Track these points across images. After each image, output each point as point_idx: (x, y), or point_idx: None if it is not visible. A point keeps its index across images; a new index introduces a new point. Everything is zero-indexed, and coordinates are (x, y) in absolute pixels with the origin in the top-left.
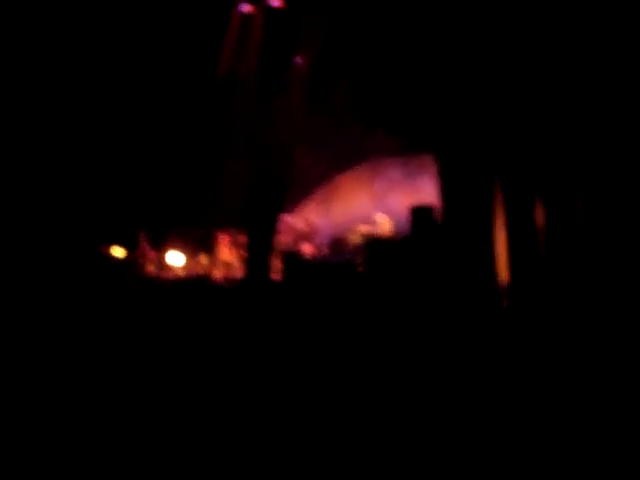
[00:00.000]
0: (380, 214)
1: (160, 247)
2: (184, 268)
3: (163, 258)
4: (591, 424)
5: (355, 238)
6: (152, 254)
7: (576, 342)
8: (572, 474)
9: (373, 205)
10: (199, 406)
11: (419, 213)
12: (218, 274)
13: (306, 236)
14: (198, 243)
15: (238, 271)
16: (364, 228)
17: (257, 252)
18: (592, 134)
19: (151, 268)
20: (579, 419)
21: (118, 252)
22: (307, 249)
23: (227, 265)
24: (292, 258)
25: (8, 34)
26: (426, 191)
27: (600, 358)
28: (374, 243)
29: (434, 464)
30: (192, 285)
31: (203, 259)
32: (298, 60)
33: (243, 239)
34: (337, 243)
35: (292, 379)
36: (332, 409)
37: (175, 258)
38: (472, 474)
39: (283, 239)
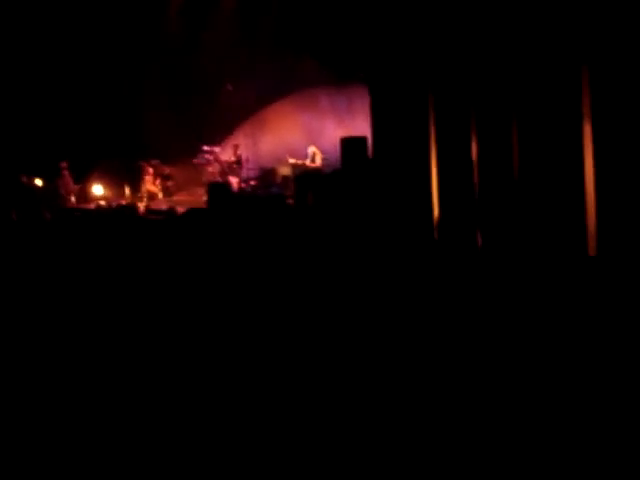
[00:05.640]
0: (311, 146)
1: (84, 178)
2: (107, 199)
3: (86, 189)
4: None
5: (284, 170)
6: (74, 185)
7: (501, 278)
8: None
9: (303, 137)
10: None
11: (350, 144)
12: (142, 205)
13: (234, 168)
14: (122, 174)
15: (161, 201)
16: (293, 160)
17: None
18: (529, 66)
19: (72, 199)
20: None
21: (38, 182)
22: (234, 181)
23: (151, 195)
24: (219, 189)
25: None
26: (358, 122)
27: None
28: (304, 175)
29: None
30: (116, 214)
31: (127, 190)
32: None
33: (166, 170)
34: (266, 175)
35: (221, 310)
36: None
37: (97, 189)
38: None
39: (211, 170)
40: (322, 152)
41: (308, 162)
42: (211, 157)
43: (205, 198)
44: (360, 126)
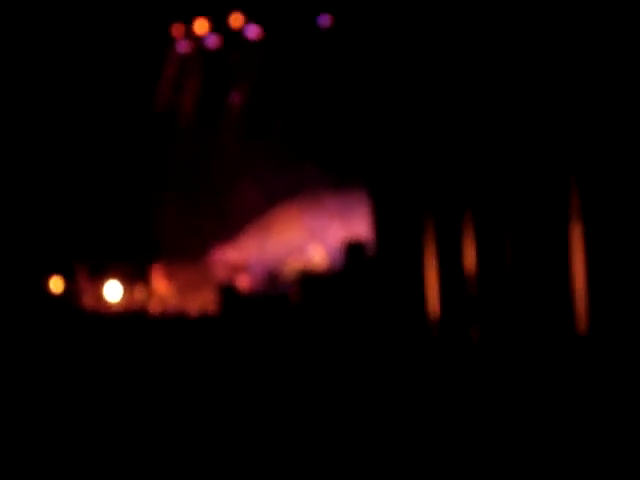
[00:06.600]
0: (314, 245)
1: (97, 279)
2: (120, 301)
3: (100, 290)
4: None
5: (289, 271)
6: (89, 286)
7: (504, 372)
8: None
9: (307, 238)
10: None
11: (352, 248)
12: (154, 307)
13: (241, 269)
14: (133, 275)
15: (173, 304)
16: (298, 262)
17: None
18: (524, 175)
19: (88, 300)
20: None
21: (57, 284)
22: (243, 283)
23: (162, 297)
24: (228, 291)
25: None
26: (360, 225)
27: (533, 391)
28: (308, 277)
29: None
30: (129, 320)
31: (139, 292)
32: (234, 98)
33: (176, 271)
34: (272, 276)
35: (230, 410)
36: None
37: (113, 290)
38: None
39: (218, 273)
40: (325, 252)
41: (311, 263)
42: (220, 259)
43: (214, 299)
44: (362, 227)
